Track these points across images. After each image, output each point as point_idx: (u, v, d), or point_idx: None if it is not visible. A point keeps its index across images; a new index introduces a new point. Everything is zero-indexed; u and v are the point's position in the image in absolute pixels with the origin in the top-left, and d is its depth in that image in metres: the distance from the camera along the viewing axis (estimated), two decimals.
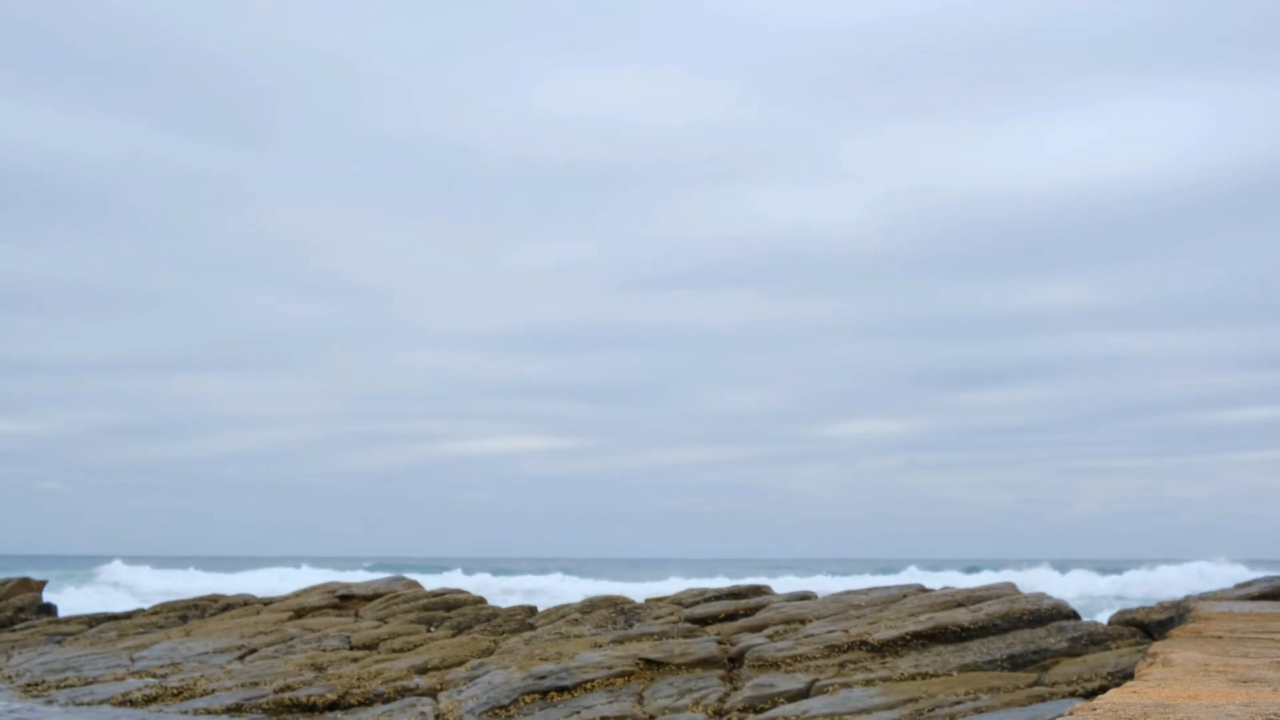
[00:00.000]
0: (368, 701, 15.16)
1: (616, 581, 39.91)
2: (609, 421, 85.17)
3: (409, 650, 17.77)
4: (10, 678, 18.34)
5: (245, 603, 24.23)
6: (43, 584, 28.93)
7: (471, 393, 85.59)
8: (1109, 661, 13.44)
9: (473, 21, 76.41)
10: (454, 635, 19.01)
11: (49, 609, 26.79)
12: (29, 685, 17.37)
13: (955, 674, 13.72)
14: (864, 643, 14.76)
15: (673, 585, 34.00)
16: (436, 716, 14.36)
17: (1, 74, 72.09)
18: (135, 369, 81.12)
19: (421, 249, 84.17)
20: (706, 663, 14.97)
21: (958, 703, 12.53)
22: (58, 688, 17.07)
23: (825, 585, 36.55)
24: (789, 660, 14.54)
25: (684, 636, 16.33)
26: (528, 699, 14.27)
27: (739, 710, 13.19)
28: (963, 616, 15.25)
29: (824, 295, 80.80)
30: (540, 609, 21.40)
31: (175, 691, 16.22)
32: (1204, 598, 16.18)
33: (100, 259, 79.42)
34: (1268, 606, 12.63)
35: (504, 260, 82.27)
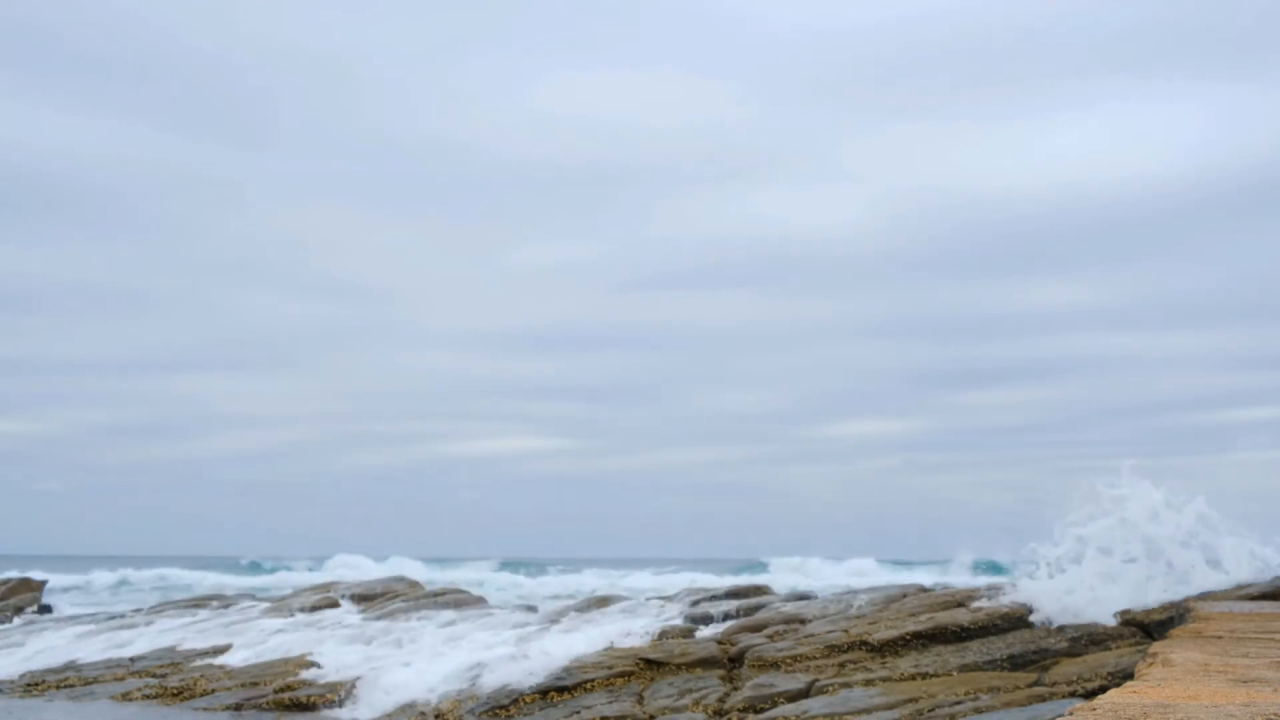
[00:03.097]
0: None
1: (616, 581, 39.89)
2: (608, 421, 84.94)
3: None
4: (10, 677, 18.33)
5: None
6: (43, 584, 28.96)
7: (471, 393, 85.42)
8: (1109, 661, 13.43)
9: (473, 21, 76.30)
10: None
11: (49, 609, 26.81)
12: (29, 685, 17.37)
13: (955, 674, 13.72)
14: (864, 643, 14.76)
15: (673, 585, 34.03)
16: (437, 716, 14.35)
17: (1, 74, 72.01)
18: (135, 369, 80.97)
19: (421, 249, 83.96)
20: (706, 663, 14.97)
21: (958, 703, 12.53)
22: (58, 687, 17.07)
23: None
24: (789, 660, 14.54)
25: (684, 636, 16.33)
26: (528, 699, 14.28)
27: (739, 710, 13.19)
28: (963, 616, 15.25)
29: (824, 295, 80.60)
30: (540, 608, 21.41)
31: (175, 691, 16.22)
32: (1204, 597, 16.18)
33: (100, 259, 79.23)
34: (1268, 606, 12.63)
35: (504, 260, 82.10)
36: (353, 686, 15.57)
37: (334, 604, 22.26)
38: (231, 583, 40.50)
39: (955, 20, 68.88)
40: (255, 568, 53.24)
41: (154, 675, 17.30)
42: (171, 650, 18.82)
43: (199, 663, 17.84)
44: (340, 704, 15.18)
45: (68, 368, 77.75)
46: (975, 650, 14.42)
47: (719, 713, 13.29)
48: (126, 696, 16.17)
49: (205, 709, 15.38)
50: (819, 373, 79.79)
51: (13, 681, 17.65)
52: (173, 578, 43.88)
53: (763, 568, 46.61)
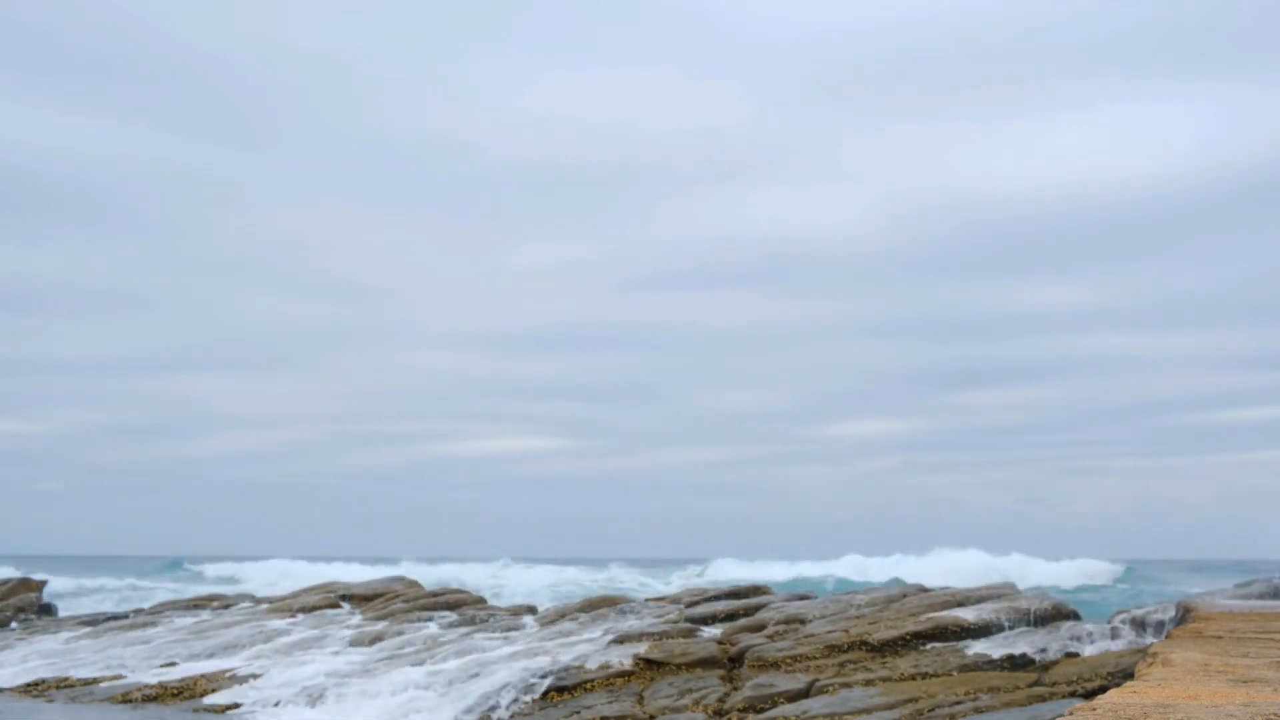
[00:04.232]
0: None
1: (616, 581, 39.88)
2: (609, 421, 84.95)
3: None
4: (11, 679, 18.32)
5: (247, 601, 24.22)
6: (43, 584, 28.94)
7: (471, 393, 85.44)
8: (1109, 661, 13.43)
9: (473, 21, 76.28)
10: None
11: (49, 609, 26.79)
12: (29, 685, 17.37)
13: (955, 674, 13.71)
14: (864, 643, 14.76)
15: (672, 585, 34.03)
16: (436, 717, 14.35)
17: (1, 74, 72.02)
18: (135, 369, 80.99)
19: (421, 249, 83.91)
20: (706, 663, 14.96)
21: (958, 703, 12.53)
22: (57, 688, 17.07)
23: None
24: (789, 660, 14.53)
25: (684, 636, 16.32)
26: (527, 699, 14.27)
27: (739, 710, 13.19)
28: (963, 616, 15.25)
29: (824, 295, 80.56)
30: (540, 608, 21.41)
31: (175, 691, 16.22)
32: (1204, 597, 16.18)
33: (100, 259, 79.22)
34: (1268, 607, 12.63)
35: (504, 260, 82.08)
36: (351, 689, 15.58)
37: (334, 604, 22.27)
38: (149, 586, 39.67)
39: (955, 20, 68.87)
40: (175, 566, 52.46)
41: (153, 676, 17.30)
42: (171, 651, 18.82)
43: (199, 663, 17.84)
44: (339, 706, 15.18)
45: (68, 368, 77.75)
46: (975, 650, 14.42)
47: (719, 713, 13.28)
48: (126, 697, 16.17)
49: (205, 709, 15.37)
50: (819, 373, 79.77)
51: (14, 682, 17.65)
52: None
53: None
